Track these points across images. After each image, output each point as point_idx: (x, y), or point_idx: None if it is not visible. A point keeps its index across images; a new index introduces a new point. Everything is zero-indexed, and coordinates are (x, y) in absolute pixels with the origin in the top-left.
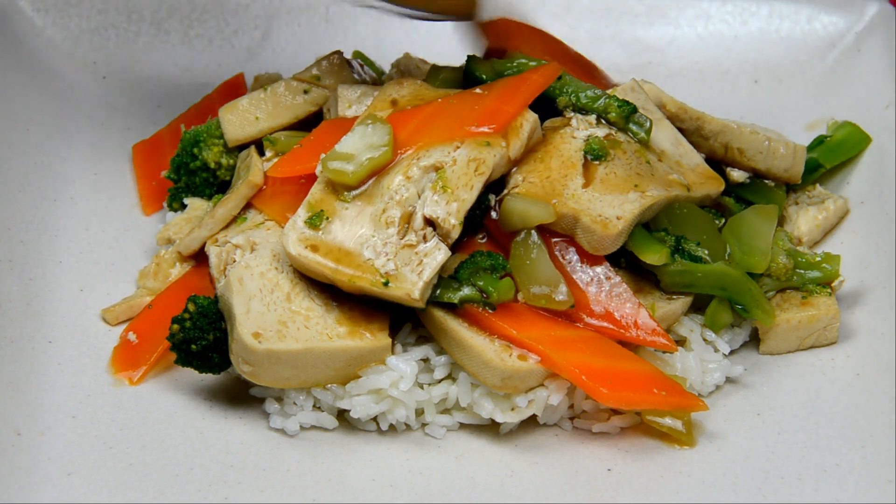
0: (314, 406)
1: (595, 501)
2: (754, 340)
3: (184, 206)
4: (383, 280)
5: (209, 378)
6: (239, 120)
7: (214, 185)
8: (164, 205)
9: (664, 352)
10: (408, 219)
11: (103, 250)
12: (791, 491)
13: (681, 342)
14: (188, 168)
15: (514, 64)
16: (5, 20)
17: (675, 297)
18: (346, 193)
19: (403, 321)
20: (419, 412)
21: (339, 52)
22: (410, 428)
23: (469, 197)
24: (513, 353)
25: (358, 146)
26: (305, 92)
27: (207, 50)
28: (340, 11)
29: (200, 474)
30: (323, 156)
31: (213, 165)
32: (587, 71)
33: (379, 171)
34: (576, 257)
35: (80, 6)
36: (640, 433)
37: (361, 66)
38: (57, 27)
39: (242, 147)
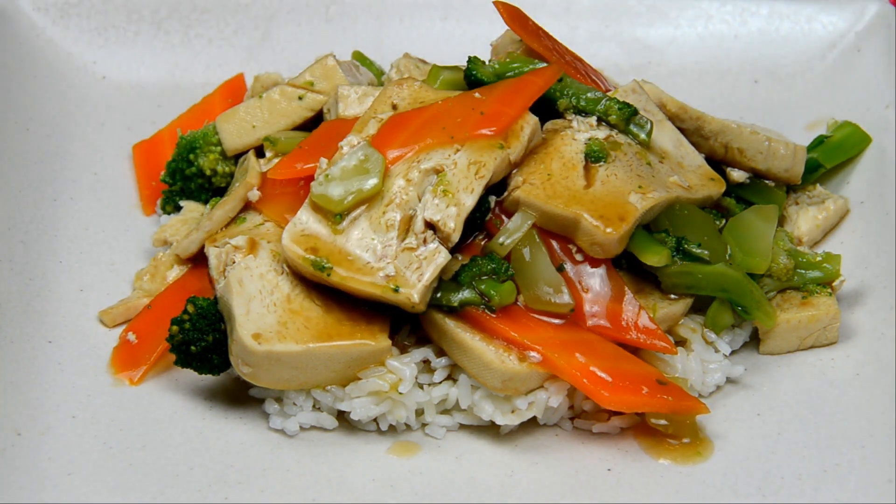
0: (314, 406)
1: (595, 501)
2: (754, 340)
3: (178, 209)
4: (383, 283)
5: (209, 378)
6: (236, 129)
7: (210, 190)
8: (157, 208)
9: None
10: (408, 222)
11: (103, 250)
12: (791, 491)
13: (681, 343)
14: (184, 174)
15: (515, 66)
16: (5, 20)
17: (675, 298)
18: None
19: (403, 323)
20: (419, 412)
21: (331, 55)
22: (410, 428)
23: (470, 200)
24: (513, 355)
25: (349, 174)
26: (300, 98)
27: (207, 50)
28: (340, 11)
29: (200, 474)
30: (313, 183)
31: (208, 172)
32: (587, 73)
33: (368, 201)
34: (577, 259)
35: (80, 6)
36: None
37: (357, 67)
38: (57, 27)
39: (240, 154)
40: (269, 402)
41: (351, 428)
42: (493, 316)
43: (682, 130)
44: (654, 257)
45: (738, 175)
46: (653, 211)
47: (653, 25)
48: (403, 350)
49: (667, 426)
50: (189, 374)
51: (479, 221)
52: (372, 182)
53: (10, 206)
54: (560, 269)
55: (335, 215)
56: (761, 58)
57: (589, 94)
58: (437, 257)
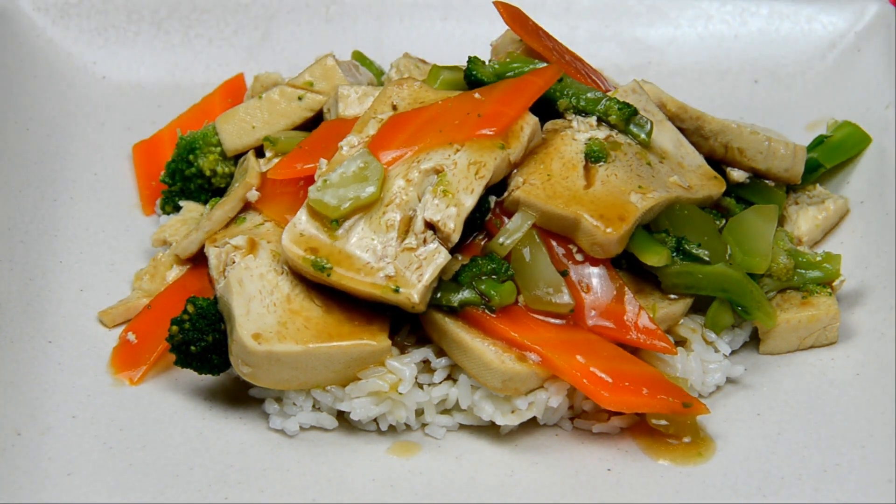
0: (314, 406)
1: (595, 501)
2: (754, 340)
3: (177, 209)
4: (383, 283)
5: (209, 378)
6: (236, 130)
7: (209, 191)
8: (157, 208)
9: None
10: (408, 222)
11: (103, 250)
12: (791, 491)
13: (681, 343)
14: (183, 174)
15: (515, 66)
16: (5, 20)
17: (675, 298)
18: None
19: (403, 323)
20: (419, 412)
21: (331, 55)
22: (410, 428)
23: (470, 200)
24: (513, 355)
25: (347, 181)
26: (300, 98)
27: (207, 50)
28: (340, 11)
29: (200, 474)
30: (311, 188)
31: (208, 173)
32: (587, 73)
33: (365, 209)
34: (577, 259)
35: (80, 6)
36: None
37: (357, 67)
38: (57, 27)
39: (240, 154)
40: (269, 402)
41: (351, 428)
42: (493, 316)
43: (682, 130)
44: (654, 257)
45: (738, 175)
46: (653, 211)
47: (653, 25)
48: (403, 350)
49: (667, 426)
50: (189, 374)
51: (479, 221)
52: (370, 190)
53: (10, 206)
54: (564, 274)
55: (332, 221)
56: (761, 58)
57: (589, 94)
58: (437, 257)
